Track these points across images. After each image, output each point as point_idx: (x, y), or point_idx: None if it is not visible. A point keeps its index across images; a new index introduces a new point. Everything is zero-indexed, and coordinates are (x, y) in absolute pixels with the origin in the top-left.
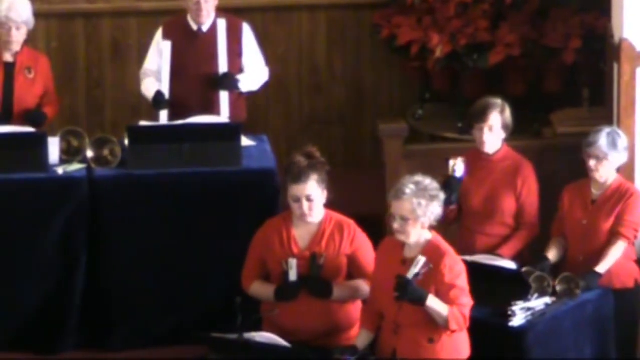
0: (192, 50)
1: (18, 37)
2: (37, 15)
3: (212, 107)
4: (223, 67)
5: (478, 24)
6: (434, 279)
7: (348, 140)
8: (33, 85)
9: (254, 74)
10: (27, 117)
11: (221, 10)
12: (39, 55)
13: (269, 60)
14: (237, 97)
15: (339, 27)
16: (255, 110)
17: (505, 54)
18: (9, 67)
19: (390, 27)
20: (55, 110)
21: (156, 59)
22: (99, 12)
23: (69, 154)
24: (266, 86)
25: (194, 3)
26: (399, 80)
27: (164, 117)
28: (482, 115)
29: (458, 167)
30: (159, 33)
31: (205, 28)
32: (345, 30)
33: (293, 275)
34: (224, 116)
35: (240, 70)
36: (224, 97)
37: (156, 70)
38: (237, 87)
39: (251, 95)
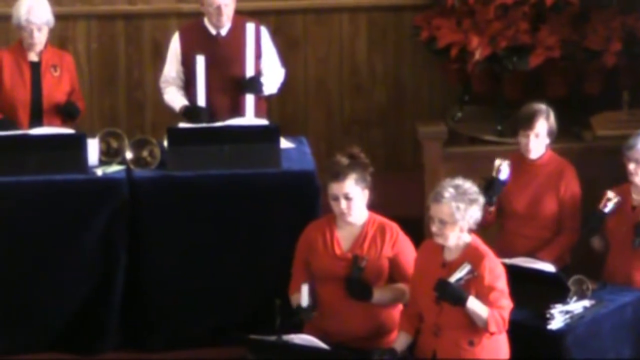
0: (211, 55)
1: (40, 38)
2: (77, 16)
3: (236, 110)
4: (250, 70)
5: (518, 26)
6: (474, 281)
7: (388, 142)
8: (60, 83)
9: (274, 76)
10: (61, 109)
11: (237, 13)
12: (63, 53)
13: (310, 61)
14: (258, 100)
15: (379, 28)
16: (295, 112)
17: (545, 57)
18: (35, 66)
19: (430, 29)
20: (84, 106)
21: (175, 66)
22: (140, 13)
23: (108, 156)
24: (306, 87)
25: (214, 8)
26: (438, 82)
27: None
28: (528, 122)
29: (503, 169)
30: (175, 38)
31: (224, 32)
32: (385, 31)
33: (305, 301)
34: (249, 119)
35: (260, 73)
36: (250, 100)
37: (176, 77)
38: (262, 90)
39: (271, 97)
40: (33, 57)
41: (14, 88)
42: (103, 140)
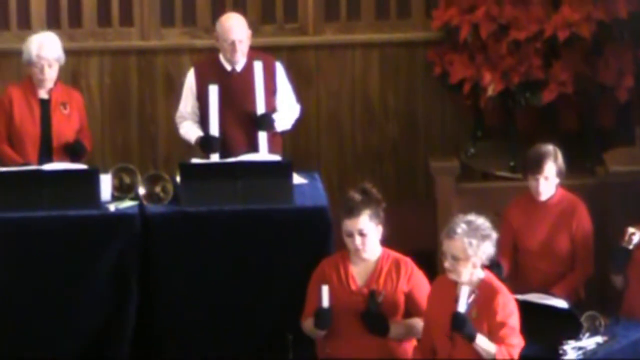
0: (226, 91)
1: (51, 74)
2: (90, 51)
3: (250, 146)
4: (261, 107)
5: (531, 62)
6: (486, 317)
7: (400, 176)
8: (69, 120)
9: (288, 112)
10: (68, 149)
11: (252, 48)
12: (73, 91)
13: (322, 96)
14: (273, 135)
15: (392, 63)
16: (307, 146)
17: (558, 92)
18: (45, 104)
19: (443, 64)
20: (91, 144)
21: (190, 101)
22: (153, 49)
23: (121, 191)
24: (319, 122)
25: (228, 43)
26: (451, 116)
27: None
28: (537, 167)
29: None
30: (191, 73)
31: (238, 68)
32: (398, 67)
33: (325, 302)
34: (262, 154)
35: (274, 109)
36: (263, 136)
37: (191, 112)
38: (274, 127)
39: (286, 133)
40: (43, 94)
41: (24, 124)
42: (116, 175)
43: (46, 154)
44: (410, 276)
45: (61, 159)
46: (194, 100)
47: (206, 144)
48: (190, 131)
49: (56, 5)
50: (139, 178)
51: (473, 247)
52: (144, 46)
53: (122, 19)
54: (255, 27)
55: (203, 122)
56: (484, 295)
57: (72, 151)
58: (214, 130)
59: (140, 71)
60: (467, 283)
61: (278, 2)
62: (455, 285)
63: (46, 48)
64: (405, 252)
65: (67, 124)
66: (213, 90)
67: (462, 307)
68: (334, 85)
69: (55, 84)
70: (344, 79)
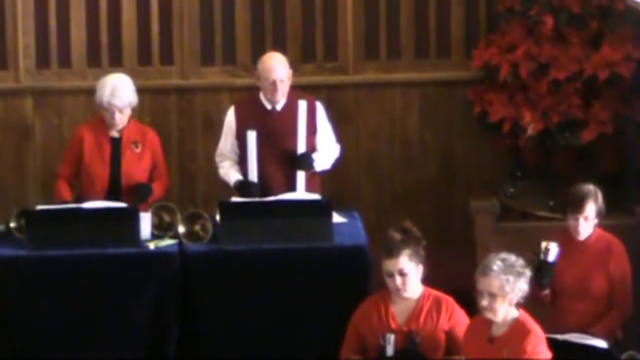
0: (266, 130)
1: (122, 119)
2: None
3: (289, 185)
4: (301, 147)
5: (570, 101)
6: (516, 355)
7: (439, 215)
8: (140, 160)
9: (327, 152)
10: (131, 191)
11: (292, 87)
12: (146, 129)
13: (362, 135)
14: (312, 175)
15: (431, 103)
16: (346, 184)
17: (598, 132)
18: (116, 142)
19: (483, 104)
20: (165, 184)
21: (229, 139)
22: (192, 87)
23: (160, 229)
24: (358, 161)
25: (269, 83)
26: (490, 156)
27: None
28: (577, 206)
29: (551, 251)
30: (231, 112)
31: (279, 107)
32: (437, 105)
33: (390, 350)
34: (300, 194)
35: (314, 148)
36: (302, 175)
37: (230, 150)
38: (313, 167)
39: (325, 172)
40: (114, 133)
41: (93, 163)
42: (155, 214)
43: (114, 193)
44: (451, 314)
45: (129, 198)
46: (234, 139)
47: (244, 189)
48: (229, 173)
49: (96, 43)
50: (179, 216)
51: (510, 284)
52: (183, 85)
53: (162, 58)
54: (295, 66)
55: (242, 161)
56: (516, 333)
57: (135, 194)
58: (252, 175)
59: (180, 110)
60: (502, 321)
61: (318, 41)
62: (489, 325)
63: (118, 95)
64: (444, 292)
65: (138, 163)
66: (251, 136)
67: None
68: (373, 124)
69: (128, 122)
70: (384, 118)
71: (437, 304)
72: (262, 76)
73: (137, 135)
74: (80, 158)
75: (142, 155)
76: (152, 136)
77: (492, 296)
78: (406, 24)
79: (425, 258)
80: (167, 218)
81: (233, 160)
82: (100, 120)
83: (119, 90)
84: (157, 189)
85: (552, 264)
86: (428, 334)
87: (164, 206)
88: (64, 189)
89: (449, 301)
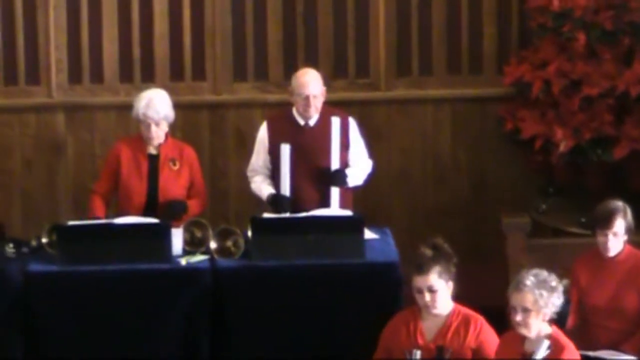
0: (299, 145)
1: (158, 133)
2: None
3: (321, 201)
4: (334, 163)
5: (603, 118)
6: None
7: (470, 232)
8: (178, 177)
9: (360, 168)
10: (165, 207)
11: (325, 104)
12: (184, 145)
13: (393, 151)
14: (344, 191)
15: (463, 119)
16: (378, 201)
17: (630, 149)
18: (153, 159)
19: (514, 121)
20: (203, 202)
21: (262, 154)
22: (224, 103)
23: (192, 245)
24: (389, 177)
25: (303, 98)
26: (522, 173)
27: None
28: (606, 222)
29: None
30: (263, 127)
31: (312, 123)
32: (469, 122)
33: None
34: (333, 210)
35: (347, 164)
36: (335, 191)
37: (263, 166)
38: (347, 183)
39: (357, 189)
40: (152, 149)
41: (130, 180)
42: (187, 229)
43: (151, 210)
44: (479, 332)
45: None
46: (266, 155)
47: (277, 203)
48: (262, 186)
49: (129, 59)
50: (210, 232)
51: (544, 299)
52: (215, 100)
53: (194, 74)
54: (326, 82)
55: (274, 176)
56: (550, 350)
57: (169, 211)
58: (285, 189)
59: (212, 125)
60: (535, 337)
61: (350, 57)
62: (522, 341)
63: (153, 106)
64: (476, 309)
65: (176, 180)
66: (284, 149)
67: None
68: (404, 140)
69: (166, 139)
70: (415, 134)
71: (466, 321)
72: (295, 91)
73: (175, 152)
74: (117, 174)
75: (180, 172)
76: (190, 153)
77: (526, 311)
78: (438, 40)
79: (456, 275)
80: (198, 234)
81: (265, 175)
82: (138, 137)
83: (154, 102)
84: (194, 206)
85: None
86: (455, 351)
87: (196, 222)
88: (98, 205)
89: (477, 319)
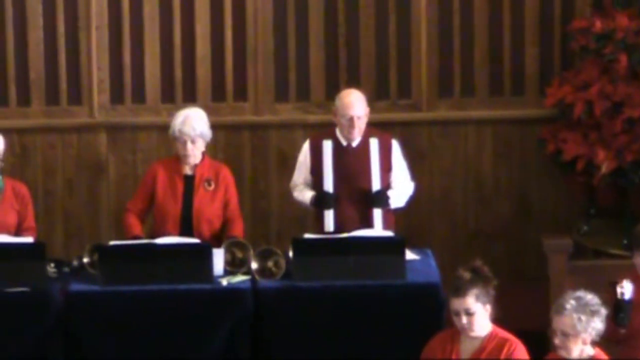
0: (341, 166)
1: (194, 151)
2: None
3: (364, 222)
4: (376, 184)
5: None
6: None
7: (512, 254)
8: (214, 198)
9: (402, 189)
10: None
11: (368, 125)
12: (221, 166)
13: (435, 173)
14: (386, 212)
15: (505, 141)
16: (420, 222)
17: None
18: (189, 180)
19: (556, 142)
20: (241, 224)
21: (303, 173)
22: (266, 124)
23: (233, 266)
24: (431, 198)
25: (347, 119)
26: (564, 194)
27: (329, 224)
28: None
29: (626, 289)
30: (306, 147)
31: (354, 144)
32: (511, 144)
33: None
34: (376, 231)
35: (389, 186)
36: (377, 213)
37: (303, 183)
38: (389, 204)
39: (399, 210)
40: (187, 170)
41: (166, 201)
42: (228, 250)
43: (186, 231)
44: (512, 354)
45: (201, 237)
46: (307, 174)
47: (321, 200)
48: (304, 192)
49: (171, 80)
50: (252, 253)
51: (582, 323)
52: (257, 121)
53: (236, 94)
54: (368, 103)
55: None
56: None
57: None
58: (328, 186)
59: (253, 146)
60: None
61: (392, 78)
62: None
63: (189, 123)
64: (518, 332)
65: (210, 201)
66: (327, 146)
67: None
68: (446, 161)
69: (202, 159)
70: (457, 155)
71: (501, 344)
72: (339, 112)
73: (211, 172)
74: (152, 195)
75: (215, 193)
76: (226, 174)
77: (565, 335)
78: (480, 61)
79: (497, 297)
80: (239, 254)
81: (307, 184)
82: (175, 159)
83: (191, 119)
84: (238, 228)
85: (629, 302)
86: None
87: (237, 243)
88: (135, 223)
89: (512, 342)
